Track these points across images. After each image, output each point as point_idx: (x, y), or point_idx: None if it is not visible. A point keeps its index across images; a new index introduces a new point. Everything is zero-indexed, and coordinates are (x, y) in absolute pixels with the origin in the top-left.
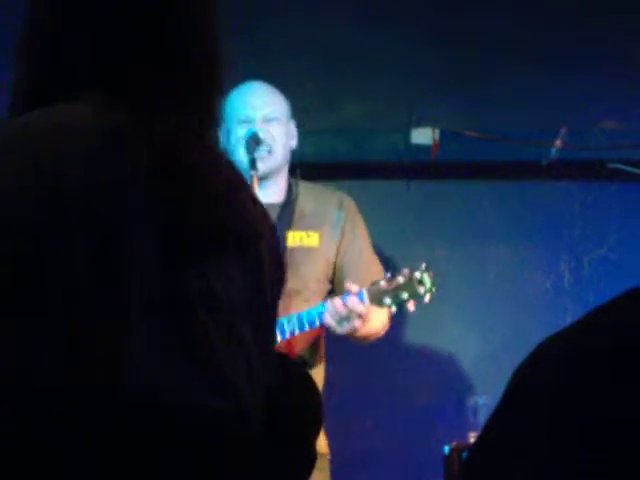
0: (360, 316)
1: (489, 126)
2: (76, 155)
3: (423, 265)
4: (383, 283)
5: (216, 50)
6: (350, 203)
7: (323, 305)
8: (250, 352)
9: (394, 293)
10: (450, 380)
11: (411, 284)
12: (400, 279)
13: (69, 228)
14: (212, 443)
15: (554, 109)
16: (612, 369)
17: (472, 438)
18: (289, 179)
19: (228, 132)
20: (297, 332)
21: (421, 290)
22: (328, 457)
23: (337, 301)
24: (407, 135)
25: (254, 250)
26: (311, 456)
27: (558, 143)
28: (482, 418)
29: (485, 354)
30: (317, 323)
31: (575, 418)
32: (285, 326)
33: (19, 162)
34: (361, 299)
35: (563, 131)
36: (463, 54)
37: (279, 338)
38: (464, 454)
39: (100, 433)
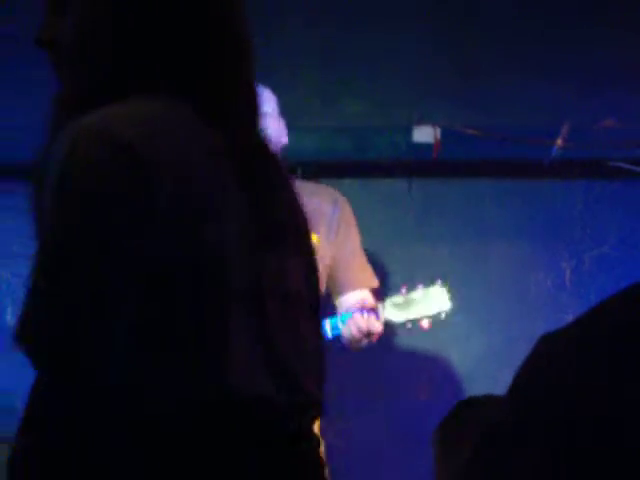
0: (375, 333)
1: (491, 125)
2: (167, 141)
3: (439, 281)
4: (398, 299)
5: (250, 41)
6: (344, 203)
7: (332, 317)
8: (312, 345)
9: (409, 310)
10: (451, 379)
11: (426, 301)
12: (415, 295)
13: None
14: (283, 437)
15: (555, 108)
16: (614, 366)
17: None
18: None
19: None
20: None
21: (436, 308)
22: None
23: (359, 320)
24: (409, 133)
25: (308, 242)
26: None
27: (560, 142)
28: None
29: (487, 353)
30: (330, 335)
31: (577, 416)
32: None
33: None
34: (377, 316)
35: (565, 130)
36: (465, 52)
37: None
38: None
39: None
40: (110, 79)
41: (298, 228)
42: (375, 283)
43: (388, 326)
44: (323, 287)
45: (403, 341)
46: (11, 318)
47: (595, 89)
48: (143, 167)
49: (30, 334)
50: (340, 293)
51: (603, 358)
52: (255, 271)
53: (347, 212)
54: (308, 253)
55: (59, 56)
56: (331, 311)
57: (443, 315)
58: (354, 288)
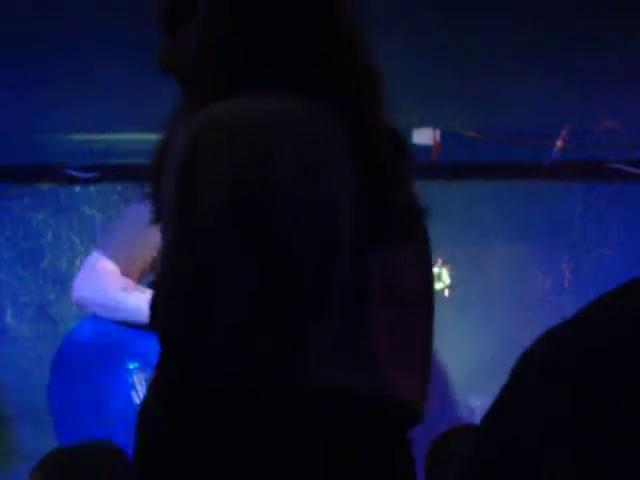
0: None
1: (490, 127)
2: (288, 136)
3: (440, 260)
4: None
5: (356, 25)
6: None
7: None
8: (419, 341)
9: None
10: (449, 382)
11: None
12: None
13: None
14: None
15: (555, 109)
16: (620, 354)
17: None
18: None
19: None
20: None
21: (440, 286)
22: None
23: None
24: (408, 135)
25: (425, 231)
26: None
27: (559, 143)
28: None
29: (485, 355)
30: None
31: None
32: None
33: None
34: None
35: (564, 131)
36: (464, 55)
37: None
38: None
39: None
40: (230, 83)
41: (416, 217)
42: None
43: None
44: None
45: None
46: (11, 320)
47: (594, 91)
48: (264, 153)
49: (159, 321)
50: None
51: (612, 345)
52: (365, 261)
53: None
54: (424, 243)
55: (183, 76)
56: None
57: (447, 293)
58: None
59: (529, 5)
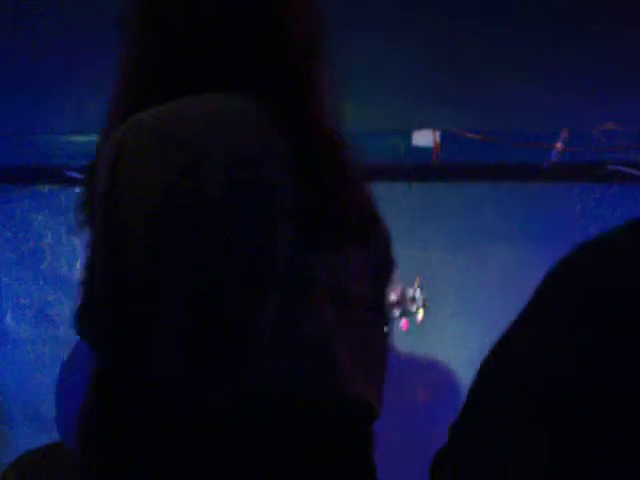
0: None
1: (490, 128)
2: (218, 143)
3: (417, 281)
4: None
5: (320, 33)
6: None
7: None
8: (370, 343)
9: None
10: (449, 383)
11: (404, 302)
12: (392, 297)
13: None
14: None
15: (555, 111)
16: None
17: None
18: None
19: None
20: None
21: (413, 308)
22: None
23: None
24: (408, 137)
25: (379, 239)
26: None
27: (559, 145)
28: None
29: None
30: None
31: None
32: None
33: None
34: None
35: (564, 133)
36: (464, 57)
37: None
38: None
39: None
40: (162, 86)
41: (367, 226)
42: None
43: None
44: None
45: (401, 344)
46: (11, 321)
47: (594, 93)
48: (193, 160)
49: (84, 324)
50: None
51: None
52: (309, 270)
53: None
54: (381, 245)
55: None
56: None
57: (420, 316)
58: None
59: (529, 8)
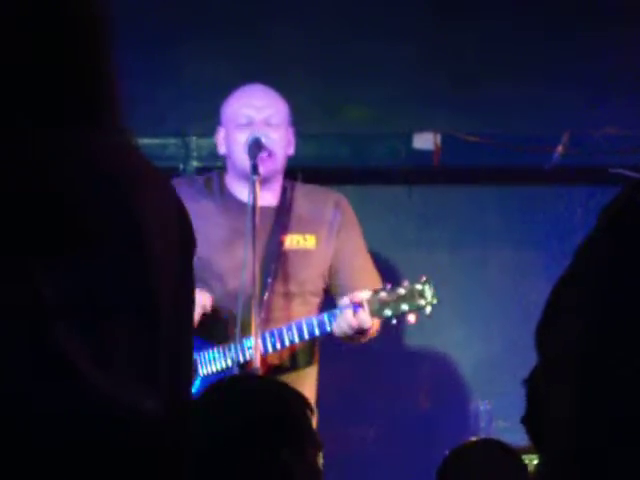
0: (367, 330)
1: (491, 131)
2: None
3: (424, 277)
4: (384, 294)
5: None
6: (346, 205)
7: (330, 315)
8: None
9: (395, 305)
10: (451, 385)
11: (412, 296)
12: (401, 290)
13: None
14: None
15: (556, 114)
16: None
17: None
18: (284, 182)
19: (227, 135)
20: (297, 341)
21: (422, 302)
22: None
23: (348, 315)
24: (409, 140)
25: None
26: None
27: (560, 148)
28: (483, 423)
29: (487, 359)
30: (317, 332)
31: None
32: (285, 335)
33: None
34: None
35: (565, 136)
36: (465, 59)
37: (279, 347)
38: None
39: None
40: None
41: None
42: (377, 287)
43: (377, 329)
44: (321, 287)
45: (402, 347)
46: None
47: (596, 96)
48: None
49: None
50: (341, 295)
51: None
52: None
53: (349, 215)
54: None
55: None
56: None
57: (428, 310)
58: (353, 291)
59: (530, 11)
